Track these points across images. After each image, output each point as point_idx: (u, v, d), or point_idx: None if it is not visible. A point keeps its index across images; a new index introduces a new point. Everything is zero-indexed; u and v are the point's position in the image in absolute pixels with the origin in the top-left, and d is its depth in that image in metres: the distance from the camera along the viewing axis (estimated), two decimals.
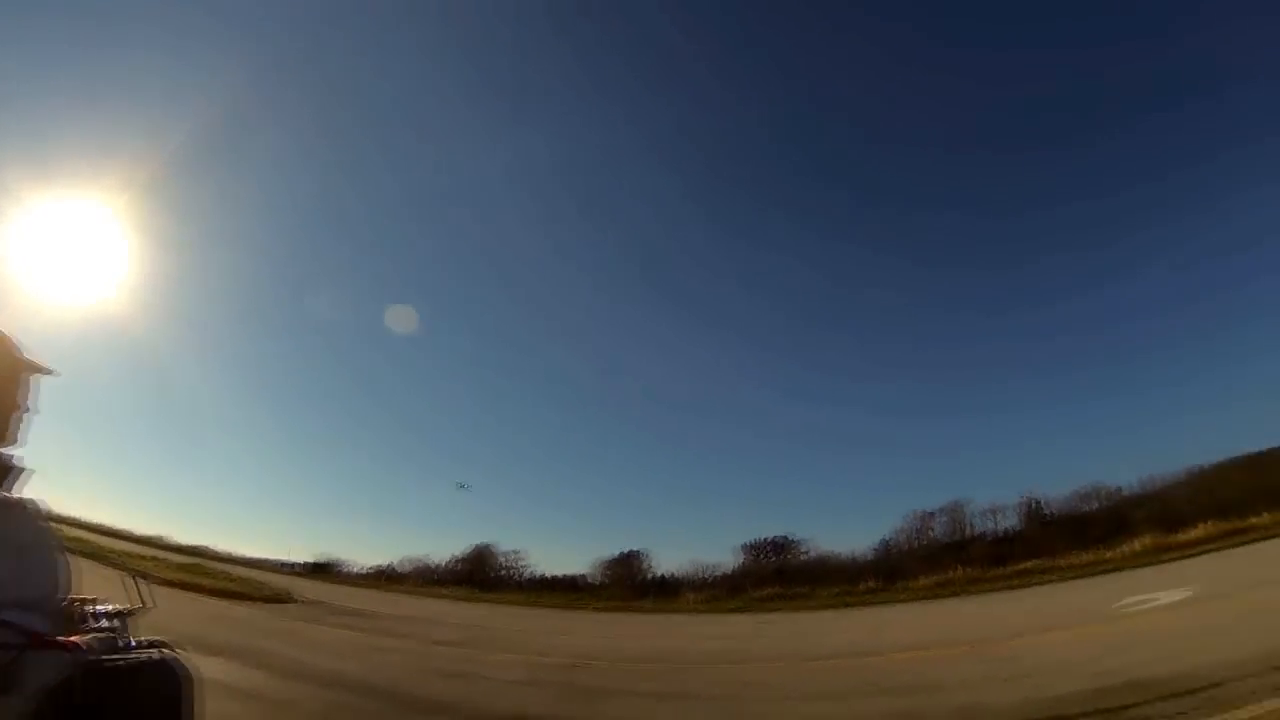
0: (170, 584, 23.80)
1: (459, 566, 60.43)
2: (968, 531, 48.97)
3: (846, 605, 34.57)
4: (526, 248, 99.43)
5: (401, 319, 78.89)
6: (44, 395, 2.95)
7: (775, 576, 46.92)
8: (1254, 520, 33.83)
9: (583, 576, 57.53)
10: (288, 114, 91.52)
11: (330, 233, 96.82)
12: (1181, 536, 33.80)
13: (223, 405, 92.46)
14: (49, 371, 2.98)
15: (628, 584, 54.04)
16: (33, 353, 2.91)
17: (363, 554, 70.16)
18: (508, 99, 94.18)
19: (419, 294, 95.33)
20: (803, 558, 53.00)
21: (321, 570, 57.23)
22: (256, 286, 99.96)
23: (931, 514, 50.58)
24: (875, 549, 50.34)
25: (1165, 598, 17.18)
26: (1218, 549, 29.54)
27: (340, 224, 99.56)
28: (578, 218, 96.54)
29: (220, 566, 38.04)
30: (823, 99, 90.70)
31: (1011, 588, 32.27)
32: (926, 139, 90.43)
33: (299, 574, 50.98)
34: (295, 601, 27.22)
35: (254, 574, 37.63)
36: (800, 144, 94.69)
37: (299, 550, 65.19)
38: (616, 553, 58.19)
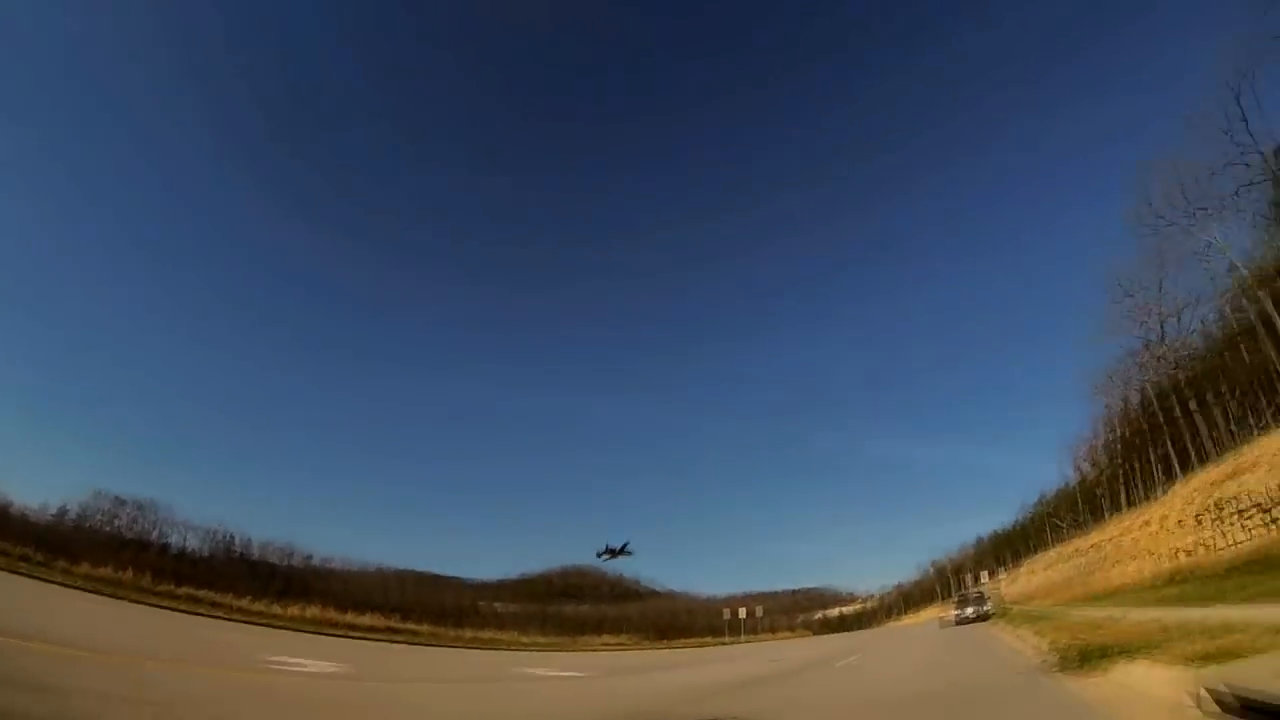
0: None
1: None
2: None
3: None
4: None
5: None
6: None
7: None
8: (413, 625, 37.85)
9: None
10: None
11: None
12: (351, 618, 35.09)
13: None
14: None
15: None
16: None
17: None
18: None
19: None
20: None
21: None
22: None
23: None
24: None
25: (315, 666, 16.23)
26: (378, 640, 31.16)
27: None
28: None
29: None
30: None
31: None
32: None
33: None
34: None
35: None
36: None
37: None
38: None
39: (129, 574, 28.55)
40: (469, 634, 41.42)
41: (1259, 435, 37.36)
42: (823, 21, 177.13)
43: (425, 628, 38.77)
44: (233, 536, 43.67)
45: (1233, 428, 44.46)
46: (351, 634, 31.35)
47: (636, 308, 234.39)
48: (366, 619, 35.28)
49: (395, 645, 30.27)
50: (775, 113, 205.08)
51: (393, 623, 36.83)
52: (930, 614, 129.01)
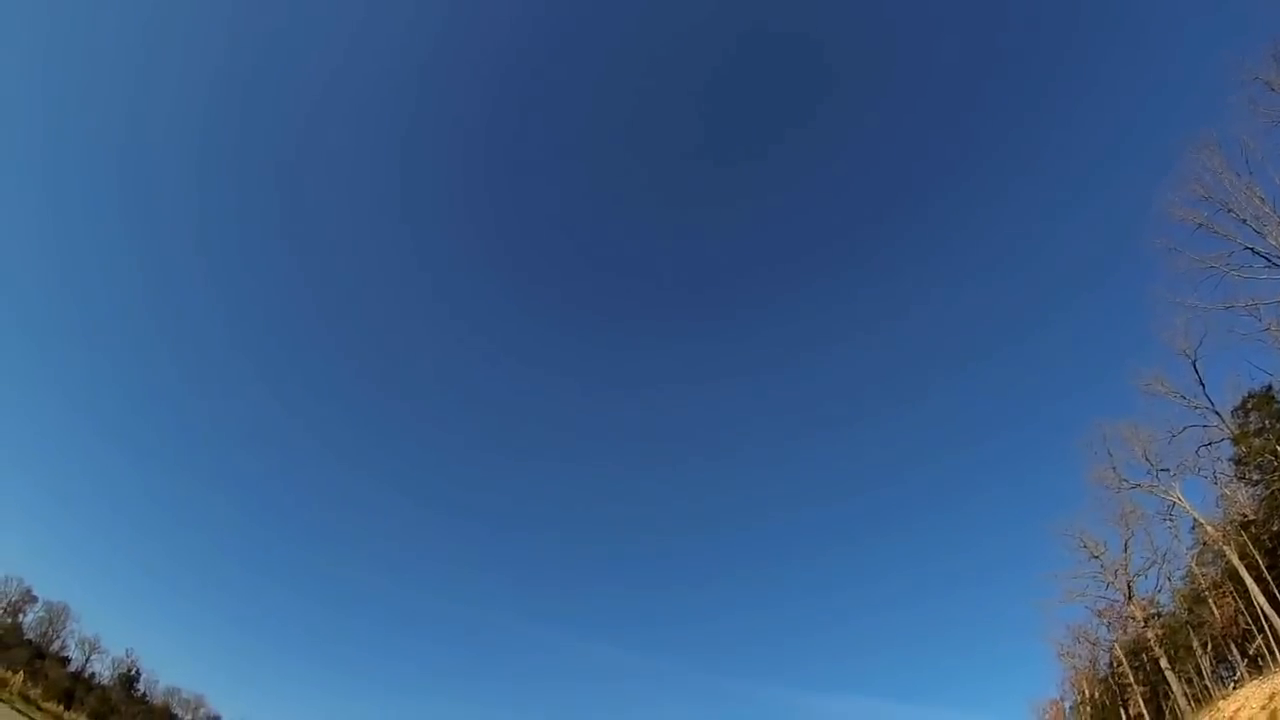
0: None
1: None
2: None
3: None
4: None
5: None
6: None
7: None
8: None
9: None
10: None
11: None
12: None
13: None
14: None
15: None
16: None
17: None
18: None
19: None
20: None
21: None
22: None
23: None
24: None
25: None
26: None
27: None
28: None
29: None
30: None
31: None
32: None
33: None
34: None
35: None
36: None
37: None
38: None
39: (19, 679, 25.13)
40: None
41: (1234, 688, 36.12)
42: None
43: None
44: (139, 672, 38.85)
45: (1207, 682, 43.04)
46: None
47: None
48: None
49: None
50: None
51: None
52: None
